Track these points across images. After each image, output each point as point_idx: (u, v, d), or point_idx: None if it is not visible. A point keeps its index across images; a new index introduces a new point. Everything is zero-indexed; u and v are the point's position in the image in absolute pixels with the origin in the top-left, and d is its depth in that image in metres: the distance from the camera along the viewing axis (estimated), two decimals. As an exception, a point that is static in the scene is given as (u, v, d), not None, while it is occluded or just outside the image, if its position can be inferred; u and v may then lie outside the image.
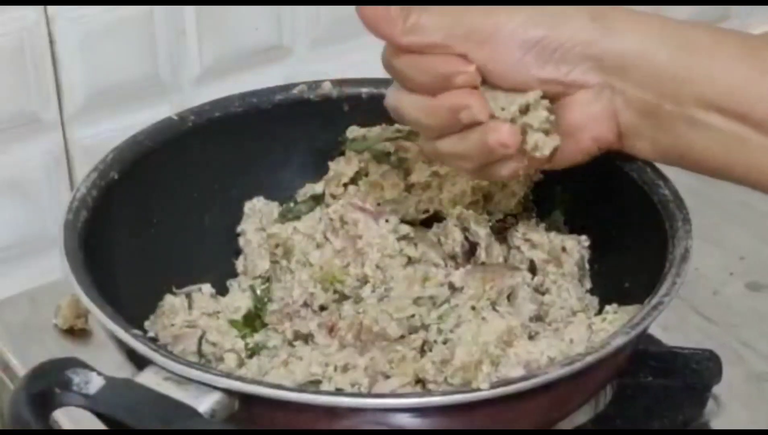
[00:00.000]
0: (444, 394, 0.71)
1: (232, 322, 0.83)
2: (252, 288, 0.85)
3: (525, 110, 0.74)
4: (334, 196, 0.88)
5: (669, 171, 0.82)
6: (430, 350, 0.77)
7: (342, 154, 0.90)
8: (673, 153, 0.76)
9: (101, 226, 0.81)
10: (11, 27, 0.94)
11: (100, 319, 0.73)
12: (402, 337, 0.79)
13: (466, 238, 0.84)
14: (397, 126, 0.88)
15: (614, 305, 0.80)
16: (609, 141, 0.76)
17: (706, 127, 0.73)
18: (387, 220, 0.85)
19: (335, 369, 0.76)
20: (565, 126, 0.76)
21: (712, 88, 0.73)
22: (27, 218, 1.00)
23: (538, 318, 0.81)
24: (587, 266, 0.86)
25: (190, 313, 0.82)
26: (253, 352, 0.81)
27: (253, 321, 0.84)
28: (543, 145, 0.75)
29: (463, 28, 0.74)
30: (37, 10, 0.95)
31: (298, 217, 0.88)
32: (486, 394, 0.69)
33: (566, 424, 0.79)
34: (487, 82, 0.74)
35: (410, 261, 0.84)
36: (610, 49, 0.74)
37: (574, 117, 0.76)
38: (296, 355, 0.79)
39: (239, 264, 0.88)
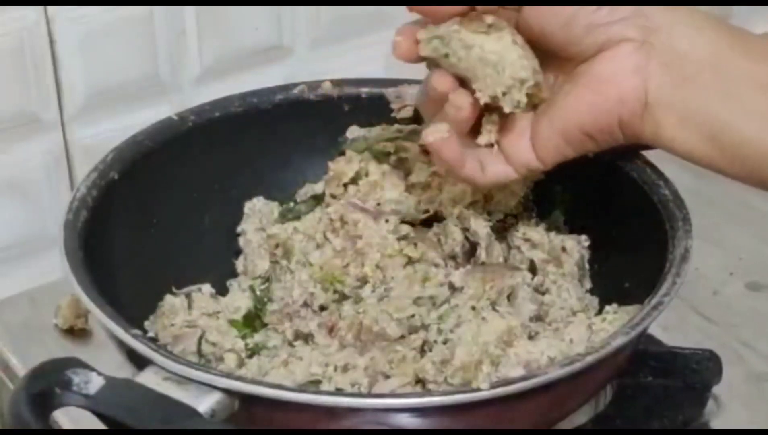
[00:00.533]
0: (444, 394, 0.71)
1: (232, 322, 0.83)
2: (252, 288, 0.85)
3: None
4: (334, 196, 0.88)
5: (669, 171, 0.82)
6: (430, 350, 0.77)
7: (342, 154, 0.90)
8: (704, 130, 0.72)
9: (101, 226, 0.81)
10: (11, 27, 0.94)
11: (100, 319, 0.73)
12: (402, 337, 0.79)
13: (466, 238, 0.84)
14: (397, 126, 0.88)
15: (614, 305, 0.80)
16: (633, 107, 0.72)
17: (749, 104, 0.70)
18: (387, 220, 0.85)
19: (335, 369, 0.76)
20: (595, 77, 0.73)
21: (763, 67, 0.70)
22: (27, 218, 1.00)
23: (538, 318, 0.81)
24: (587, 266, 0.86)
25: (190, 313, 0.82)
26: (253, 352, 0.81)
27: (253, 321, 0.84)
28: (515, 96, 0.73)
29: None
30: (37, 10, 0.95)
31: (298, 217, 0.88)
32: (486, 394, 0.69)
33: (566, 424, 0.79)
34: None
35: (410, 261, 0.84)
36: (660, 11, 0.72)
37: (604, 68, 0.73)
38: (296, 355, 0.79)
39: (239, 264, 0.88)
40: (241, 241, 0.89)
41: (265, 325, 0.83)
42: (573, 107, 0.74)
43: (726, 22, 0.73)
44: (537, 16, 0.73)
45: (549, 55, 0.75)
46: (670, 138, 0.73)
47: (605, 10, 0.72)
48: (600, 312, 0.81)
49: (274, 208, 0.90)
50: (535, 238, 0.85)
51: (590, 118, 0.74)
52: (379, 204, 0.86)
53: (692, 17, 0.72)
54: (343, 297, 0.82)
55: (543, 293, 0.83)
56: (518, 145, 0.77)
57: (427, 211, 0.86)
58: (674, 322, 0.91)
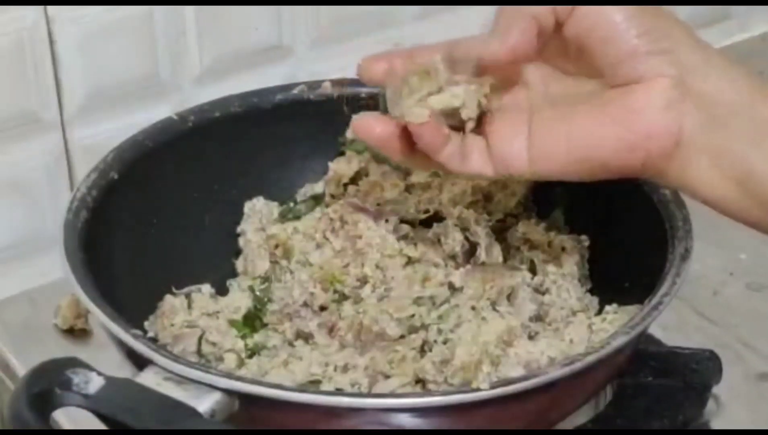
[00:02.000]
0: (444, 394, 0.71)
1: (232, 322, 0.83)
2: (252, 288, 0.85)
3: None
4: (334, 196, 0.88)
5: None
6: (430, 350, 0.77)
7: (342, 154, 0.90)
8: (734, 174, 0.69)
9: (101, 226, 0.81)
10: (11, 27, 0.94)
11: (100, 319, 0.73)
12: (402, 337, 0.79)
13: (466, 238, 0.84)
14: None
15: (614, 305, 0.80)
16: (663, 145, 0.69)
17: None
18: (387, 220, 0.85)
19: (335, 369, 0.76)
20: (625, 108, 0.70)
21: None
22: (27, 218, 1.00)
23: (538, 318, 0.81)
24: (587, 266, 0.86)
25: (190, 313, 0.82)
26: (253, 352, 0.81)
27: (253, 321, 0.84)
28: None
29: None
30: (37, 10, 0.95)
31: (298, 217, 0.88)
32: (486, 394, 0.69)
33: (566, 424, 0.79)
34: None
35: (410, 261, 0.84)
36: (693, 50, 0.70)
37: (636, 100, 0.70)
38: (296, 355, 0.79)
39: (239, 264, 0.88)
40: (241, 241, 0.89)
41: (265, 325, 0.83)
42: (597, 135, 0.71)
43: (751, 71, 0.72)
44: (580, 26, 0.71)
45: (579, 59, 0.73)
46: (698, 180, 0.71)
47: (648, 37, 0.70)
48: (600, 312, 0.81)
49: (274, 208, 0.90)
50: (535, 238, 0.85)
51: (612, 150, 0.71)
52: (379, 204, 0.86)
53: (724, 62, 0.71)
54: (343, 297, 0.82)
55: (543, 293, 0.83)
56: (509, 145, 0.73)
57: (427, 211, 0.86)
58: (674, 322, 0.91)
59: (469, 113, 0.73)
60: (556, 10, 0.71)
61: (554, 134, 0.72)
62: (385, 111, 0.75)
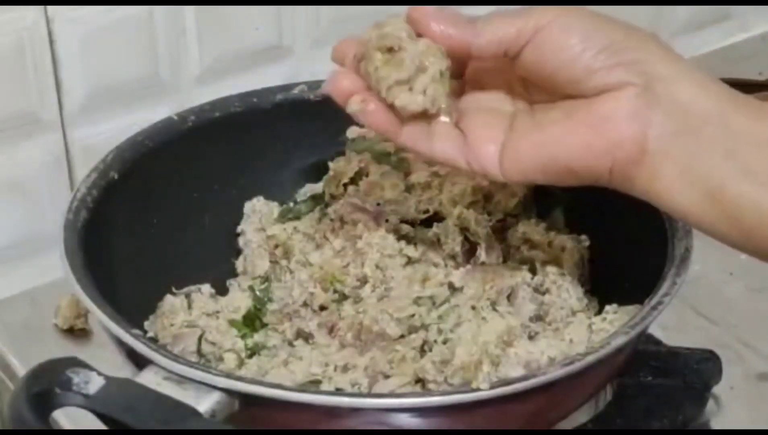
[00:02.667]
0: (444, 394, 0.71)
1: (232, 322, 0.83)
2: (252, 288, 0.85)
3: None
4: (334, 196, 0.88)
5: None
6: (430, 350, 0.77)
7: (342, 154, 0.90)
8: (702, 185, 0.69)
9: (101, 226, 0.81)
10: (11, 27, 0.94)
11: (100, 319, 0.73)
12: (402, 337, 0.79)
13: (466, 238, 0.84)
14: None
15: (614, 305, 0.80)
16: (630, 152, 0.69)
17: (750, 163, 0.68)
18: (387, 220, 0.85)
19: (335, 369, 0.76)
20: (594, 114, 0.70)
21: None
22: (27, 218, 1.00)
23: (538, 318, 0.81)
24: (587, 266, 0.86)
25: (190, 313, 0.83)
26: (252, 352, 0.81)
27: (252, 321, 0.84)
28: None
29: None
30: (37, 10, 0.95)
31: (298, 217, 0.88)
32: (486, 394, 0.69)
33: (566, 424, 0.79)
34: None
35: (410, 261, 0.84)
36: (663, 62, 0.70)
37: (604, 108, 0.69)
38: (296, 355, 0.79)
39: (239, 264, 0.88)
40: (241, 241, 0.89)
41: (265, 325, 0.83)
42: (565, 141, 0.71)
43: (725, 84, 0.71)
44: (535, 57, 0.71)
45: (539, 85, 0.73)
46: (666, 189, 0.70)
47: (607, 52, 0.70)
48: (600, 312, 0.81)
49: (274, 208, 0.90)
50: (535, 238, 0.85)
51: (580, 156, 0.70)
52: (379, 204, 0.86)
53: (695, 72, 0.70)
54: (343, 297, 0.82)
55: (543, 293, 0.83)
56: (485, 146, 0.73)
57: (427, 211, 0.86)
58: (674, 322, 0.91)
59: (432, 110, 0.73)
60: (521, 30, 0.71)
61: (525, 141, 0.72)
62: None
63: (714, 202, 0.69)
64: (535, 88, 0.74)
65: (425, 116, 0.73)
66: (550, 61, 0.71)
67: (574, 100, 0.71)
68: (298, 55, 1.08)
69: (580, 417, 0.81)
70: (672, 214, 0.72)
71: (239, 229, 0.90)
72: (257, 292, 0.85)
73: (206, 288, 0.85)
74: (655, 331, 0.84)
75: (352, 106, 0.74)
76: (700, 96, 0.69)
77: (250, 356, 0.81)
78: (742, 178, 0.68)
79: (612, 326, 0.77)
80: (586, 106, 0.71)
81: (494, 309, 0.80)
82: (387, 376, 0.76)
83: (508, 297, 0.82)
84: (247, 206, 0.90)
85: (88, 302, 0.74)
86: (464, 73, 0.76)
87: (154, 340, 0.80)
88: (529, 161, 0.72)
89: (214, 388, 0.68)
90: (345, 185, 0.88)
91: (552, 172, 0.72)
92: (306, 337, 0.81)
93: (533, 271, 0.84)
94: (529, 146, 0.72)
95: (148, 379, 0.69)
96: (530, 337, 0.78)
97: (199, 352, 0.80)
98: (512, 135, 0.73)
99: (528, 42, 0.71)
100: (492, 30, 0.72)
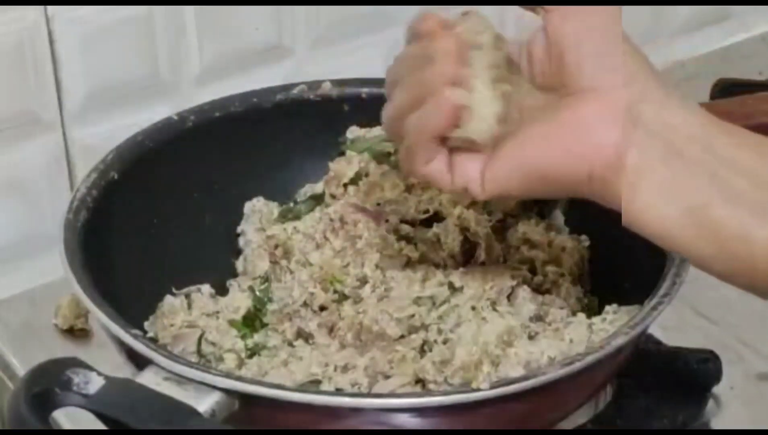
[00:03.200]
0: (444, 394, 0.71)
1: (232, 322, 0.83)
2: (252, 288, 0.85)
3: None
4: (334, 196, 0.88)
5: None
6: (430, 350, 0.77)
7: (342, 154, 0.90)
8: (683, 204, 0.67)
9: (101, 226, 0.81)
10: (11, 27, 0.94)
11: (100, 319, 0.73)
12: (402, 337, 0.79)
13: (466, 238, 0.84)
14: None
15: (614, 305, 0.80)
16: (608, 157, 0.68)
17: (734, 188, 0.67)
18: (387, 220, 0.85)
19: (335, 369, 0.76)
20: (575, 117, 0.69)
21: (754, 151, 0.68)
22: (27, 218, 1.00)
23: (538, 318, 0.81)
24: (587, 266, 0.86)
25: (190, 313, 0.82)
26: (252, 352, 0.81)
27: (252, 321, 0.84)
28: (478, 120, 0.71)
29: None
30: (37, 10, 0.95)
31: (298, 217, 0.88)
32: (486, 394, 0.69)
33: (566, 424, 0.79)
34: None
35: (410, 261, 0.84)
36: (654, 88, 0.69)
37: (587, 110, 0.69)
38: (296, 355, 0.79)
39: (239, 264, 0.88)
40: (241, 241, 0.89)
41: (265, 325, 0.83)
42: (544, 146, 0.70)
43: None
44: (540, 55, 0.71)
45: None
46: (645, 205, 0.68)
47: (608, 58, 0.69)
48: (600, 312, 0.81)
49: (274, 208, 0.90)
50: (535, 238, 0.85)
51: (560, 162, 0.69)
52: (379, 204, 0.86)
53: (684, 100, 0.70)
54: (343, 297, 0.82)
55: (543, 293, 0.83)
56: (470, 164, 0.72)
57: (427, 211, 0.86)
58: (674, 322, 0.91)
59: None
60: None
61: (504, 152, 0.71)
62: None
63: (695, 221, 0.68)
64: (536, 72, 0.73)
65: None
66: (561, 48, 0.70)
67: (561, 99, 0.70)
68: (298, 55, 1.08)
69: (580, 417, 0.81)
70: (645, 233, 0.70)
71: (239, 229, 0.90)
72: (257, 293, 0.85)
73: (206, 288, 0.85)
74: (655, 331, 0.84)
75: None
76: (689, 120, 0.69)
77: (250, 356, 0.81)
78: (727, 200, 0.67)
79: (612, 326, 0.77)
80: (571, 106, 0.69)
81: (494, 309, 0.80)
82: (387, 376, 0.76)
83: (508, 297, 0.82)
84: (247, 206, 0.90)
85: (88, 302, 0.74)
86: None
87: (154, 340, 0.80)
88: (509, 172, 0.71)
89: (214, 388, 0.69)
90: (345, 185, 0.88)
91: (532, 181, 0.70)
92: (306, 337, 0.81)
93: (533, 271, 0.84)
94: (509, 157, 0.71)
95: (148, 379, 0.69)
96: (530, 337, 0.78)
97: (199, 353, 0.80)
98: (495, 150, 0.72)
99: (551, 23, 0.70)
100: None
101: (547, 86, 0.71)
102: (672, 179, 0.68)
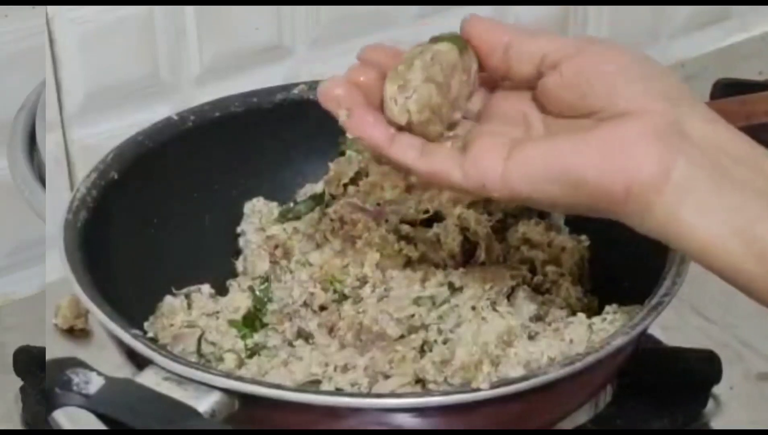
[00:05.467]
0: (444, 394, 0.71)
1: (232, 322, 0.83)
2: (252, 288, 0.85)
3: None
4: (334, 196, 0.88)
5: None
6: (430, 350, 0.77)
7: (342, 154, 0.90)
8: (731, 223, 0.66)
9: (101, 226, 0.81)
10: (11, 27, 0.94)
11: (100, 319, 0.73)
12: (402, 337, 0.79)
13: (466, 238, 0.84)
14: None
15: (614, 305, 0.80)
16: (650, 175, 0.66)
17: None
18: (387, 220, 0.85)
19: (335, 369, 0.76)
20: (614, 131, 0.67)
21: None
22: (27, 218, 1.00)
23: (538, 318, 0.81)
24: (587, 266, 0.86)
25: (190, 313, 0.82)
26: (252, 352, 0.81)
27: (252, 321, 0.84)
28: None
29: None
30: (37, 10, 0.95)
31: (298, 217, 0.88)
32: (486, 394, 0.69)
33: (566, 424, 0.79)
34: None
35: (410, 261, 0.84)
36: (695, 101, 0.68)
37: (629, 129, 0.67)
38: (296, 355, 0.79)
39: (239, 264, 0.88)
40: (241, 241, 0.89)
41: (265, 325, 0.83)
42: (581, 151, 0.67)
43: None
44: (553, 90, 0.70)
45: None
46: (687, 223, 0.66)
47: (641, 84, 0.68)
48: (600, 312, 0.81)
49: (274, 208, 0.90)
50: (535, 238, 0.85)
51: (594, 165, 0.67)
52: (379, 204, 0.86)
53: (726, 121, 0.69)
54: (343, 297, 0.82)
55: (543, 293, 0.83)
56: (488, 155, 0.70)
57: (427, 211, 0.86)
58: (674, 322, 0.91)
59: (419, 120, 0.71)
60: (563, 46, 0.70)
61: (536, 148, 0.69)
62: None
63: (743, 240, 0.66)
64: (551, 106, 0.72)
65: (424, 132, 0.71)
66: (581, 84, 0.69)
67: (591, 119, 0.69)
68: (298, 55, 1.08)
69: (580, 417, 0.81)
70: (686, 251, 0.68)
71: (239, 229, 0.90)
72: (257, 293, 0.85)
73: (206, 288, 0.85)
74: (655, 331, 0.84)
75: (340, 118, 0.72)
76: (736, 139, 0.68)
77: (250, 356, 0.81)
78: None
79: (612, 326, 0.77)
80: (611, 124, 0.68)
81: (494, 309, 0.80)
82: (387, 376, 0.76)
83: (508, 297, 0.82)
84: (247, 206, 0.90)
85: (88, 302, 0.74)
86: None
87: (154, 340, 0.80)
88: (538, 170, 0.68)
89: (214, 388, 0.69)
90: (345, 185, 0.88)
91: (562, 185, 0.68)
92: (306, 337, 0.81)
93: (533, 271, 0.84)
94: (540, 153, 0.68)
95: (148, 379, 0.69)
96: (530, 337, 0.78)
97: (199, 353, 0.80)
98: (521, 143, 0.70)
99: (563, 60, 0.70)
100: (536, 42, 0.71)
101: (566, 115, 0.71)
102: (719, 198, 0.66)
